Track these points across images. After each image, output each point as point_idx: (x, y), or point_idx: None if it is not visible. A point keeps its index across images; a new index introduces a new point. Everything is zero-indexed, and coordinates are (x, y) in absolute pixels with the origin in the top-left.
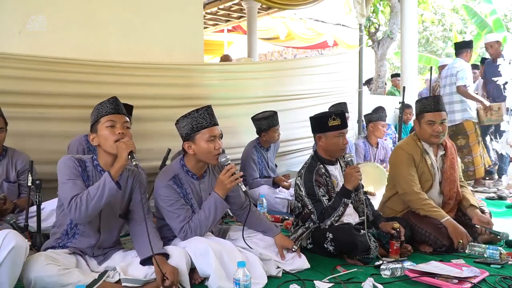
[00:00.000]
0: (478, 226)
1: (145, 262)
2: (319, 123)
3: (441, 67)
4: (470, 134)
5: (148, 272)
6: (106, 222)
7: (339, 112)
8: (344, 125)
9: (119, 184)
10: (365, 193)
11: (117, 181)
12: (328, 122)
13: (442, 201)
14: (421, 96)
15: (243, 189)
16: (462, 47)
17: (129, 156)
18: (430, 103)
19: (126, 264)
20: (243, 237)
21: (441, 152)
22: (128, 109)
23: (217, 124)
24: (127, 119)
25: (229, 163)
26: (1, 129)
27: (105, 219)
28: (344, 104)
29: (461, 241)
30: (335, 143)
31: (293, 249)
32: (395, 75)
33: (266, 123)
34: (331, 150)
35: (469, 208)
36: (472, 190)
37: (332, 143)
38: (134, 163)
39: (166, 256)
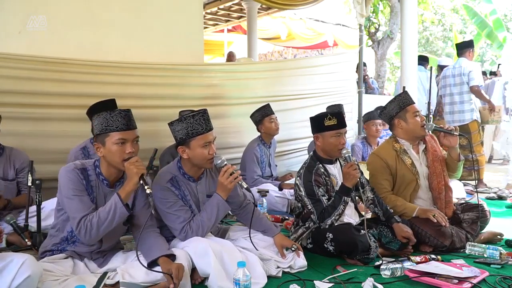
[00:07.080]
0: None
1: (150, 265)
2: (316, 123)
3: (442, 67)
4: (474, 134)
5: (148, 276)
6: (110, 232)
7: (335, 112)
8: (340, 125)
9: (129, 206)
10: (372, 189)
11: (126, 203)
12: (324, 122)
13: (432, 196)
14: None
15: (245, 186)
16: (464, 47)
17: (141, 181)
18: (407, 96)
19: (127, 266)
20: (250, 237)
21: (421, 147)
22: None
23: (212, 129)
24: (137, 133)
25: (225, 164)
26: None
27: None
28: (340, 105)
29: (434, 214)
30: (331, 143)
31: (292, 249)
32: None
33: (259, 114)
34: (328, 150)
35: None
36: (473, 191)
37: (329, 142)
38: (148, 191)
39: (173, 258)
